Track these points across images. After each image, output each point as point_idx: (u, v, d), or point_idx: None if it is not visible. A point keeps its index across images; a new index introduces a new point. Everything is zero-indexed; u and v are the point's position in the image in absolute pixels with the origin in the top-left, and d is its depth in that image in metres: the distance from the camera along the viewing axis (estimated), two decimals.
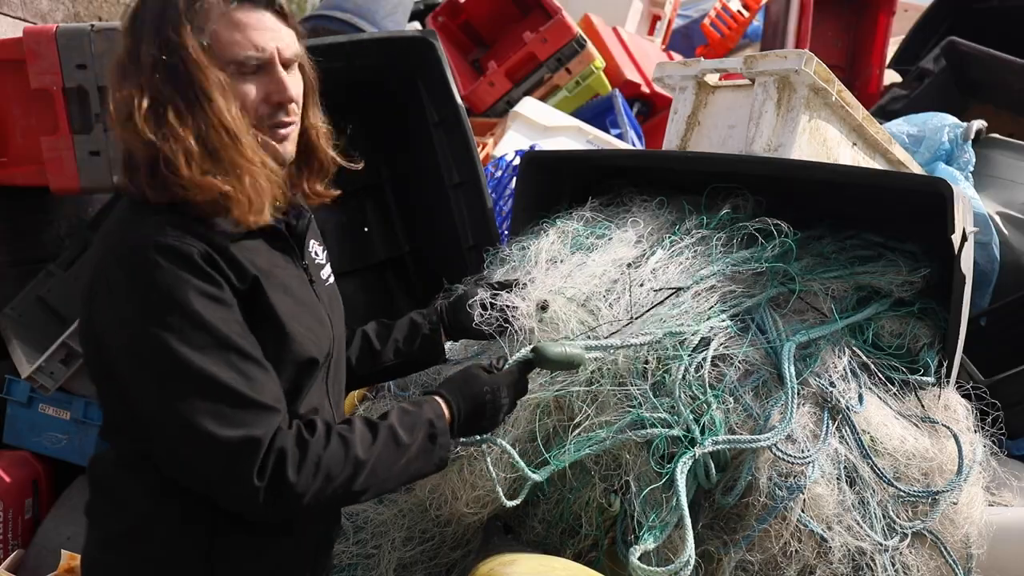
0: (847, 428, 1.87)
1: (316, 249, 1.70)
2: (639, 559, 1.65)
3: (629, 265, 2.06)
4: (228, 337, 1.36)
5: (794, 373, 1.87)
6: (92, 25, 2.64)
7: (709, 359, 1.85)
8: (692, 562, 1.64)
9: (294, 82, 1.51)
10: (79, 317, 1.48)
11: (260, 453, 1.33)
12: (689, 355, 1.85)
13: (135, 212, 1.41)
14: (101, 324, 1.41)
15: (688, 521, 1.68)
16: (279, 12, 1.49)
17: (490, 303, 1.92)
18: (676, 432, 1.76)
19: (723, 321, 1.93)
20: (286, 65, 1.49)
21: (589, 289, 1.97)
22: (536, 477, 1.77)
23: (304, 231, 1.62)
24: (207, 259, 1.37)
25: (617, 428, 1.79)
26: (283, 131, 1.51)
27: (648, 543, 1.69)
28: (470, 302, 1.93)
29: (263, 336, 1.43)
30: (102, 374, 1.46)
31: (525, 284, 1.98)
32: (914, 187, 2.19)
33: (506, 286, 1.99)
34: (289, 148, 1.54)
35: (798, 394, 1.86)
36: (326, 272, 1.71)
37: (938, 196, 1.97)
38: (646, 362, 1.86)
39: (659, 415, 1.79)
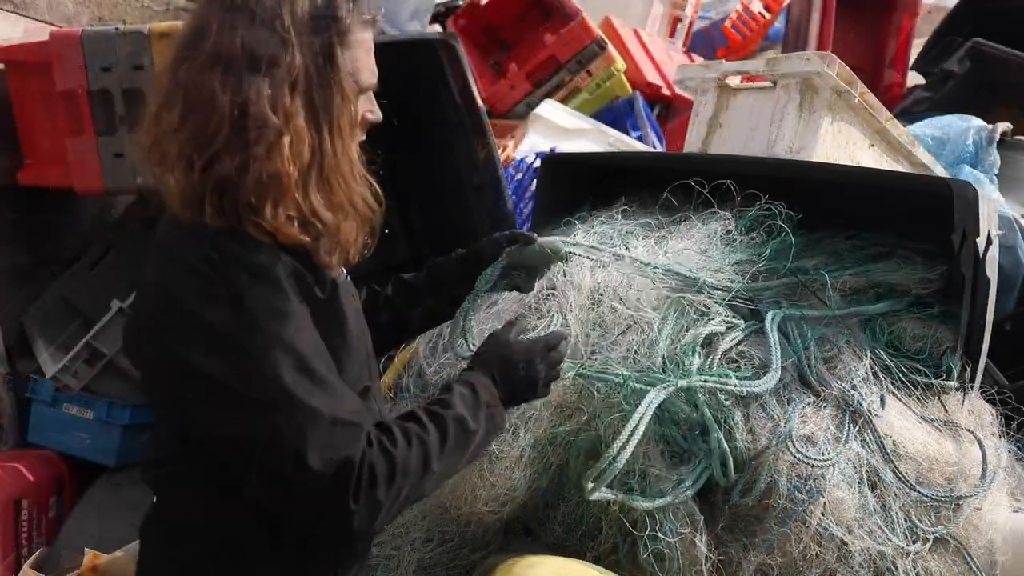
0: (869, 431, 1.86)
1: None
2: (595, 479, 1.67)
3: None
4: (311, 357, 1.29)
5: (776, 328, 1.89)
6: (117, 28, 2.67)
7: (719, 353, 1.87)
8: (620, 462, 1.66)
9: None
10: (135, 327, 1.42)
11: (354, 476, 1.26)
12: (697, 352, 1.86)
13: (203, 225, 1.30)
14: (174, 341, 1.29)
15: (637, 435, 1.68)
16: None
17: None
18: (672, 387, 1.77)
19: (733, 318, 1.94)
20: None
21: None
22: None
23: None
24: (292, 272, 1.31)
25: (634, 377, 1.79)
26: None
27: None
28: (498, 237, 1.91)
29: (335, 343, 1.38)
30: (167, 391, 1.37)
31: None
32: (937, 190, 2.17)
33: (524, 238, 1.93)
34: None
35: (807, 380, 1.89)
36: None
37: (962, 199, 1.96)
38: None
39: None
